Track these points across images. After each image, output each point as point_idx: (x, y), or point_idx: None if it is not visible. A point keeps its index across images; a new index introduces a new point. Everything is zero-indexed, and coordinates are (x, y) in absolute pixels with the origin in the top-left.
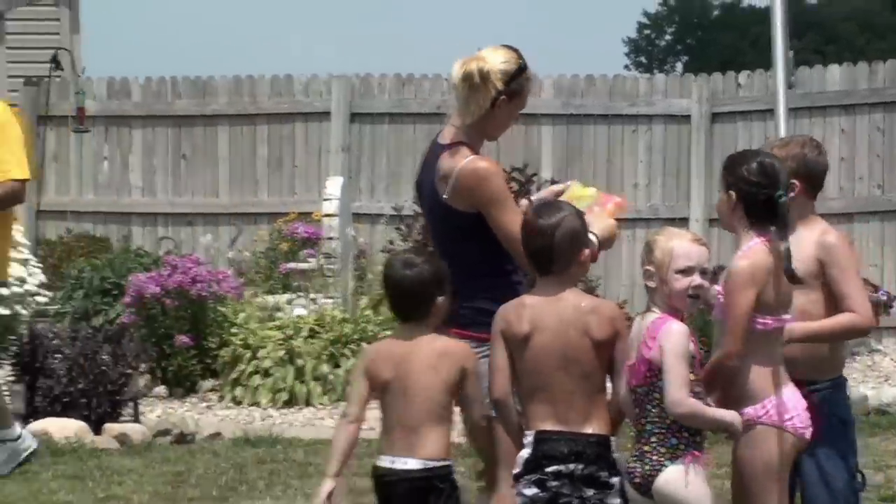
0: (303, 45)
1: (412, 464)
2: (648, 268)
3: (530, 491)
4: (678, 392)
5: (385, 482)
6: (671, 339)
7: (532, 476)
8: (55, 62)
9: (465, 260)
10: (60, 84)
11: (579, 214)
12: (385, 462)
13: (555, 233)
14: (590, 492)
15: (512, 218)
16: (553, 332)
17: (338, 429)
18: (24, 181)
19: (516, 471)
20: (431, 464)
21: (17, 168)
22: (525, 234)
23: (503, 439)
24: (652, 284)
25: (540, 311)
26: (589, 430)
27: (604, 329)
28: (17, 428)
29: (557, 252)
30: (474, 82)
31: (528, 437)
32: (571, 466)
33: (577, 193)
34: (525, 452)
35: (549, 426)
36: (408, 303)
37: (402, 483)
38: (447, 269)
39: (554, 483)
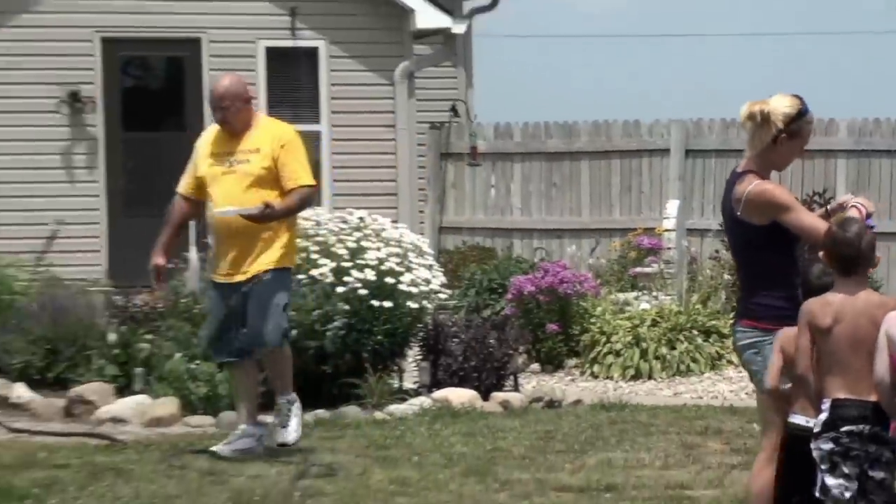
0: (647, 93)
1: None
2: None
3: (827, 446)
4: None
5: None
6: None
7: (829, 434)
8: (454, 111)
9: (755, 266)
10: (457, 128)
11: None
12: (798, 420)
13: (861, 242)
14: (873, 447)
15: (803, 216)
16: (848, 321)
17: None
18: (313, 186)
19: (816, 430)
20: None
21: (307, 176)
22: (832, 244)
23: None
24: None
25: (840, 307)
26: (874, 398)
27: None
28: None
29: (863, 258)
30: (756, 121)
31: (826, 404)
32: (861, 426)
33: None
34: (823, 416)
35: (842, 395)
36: None
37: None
38: None
39: (846, 440)
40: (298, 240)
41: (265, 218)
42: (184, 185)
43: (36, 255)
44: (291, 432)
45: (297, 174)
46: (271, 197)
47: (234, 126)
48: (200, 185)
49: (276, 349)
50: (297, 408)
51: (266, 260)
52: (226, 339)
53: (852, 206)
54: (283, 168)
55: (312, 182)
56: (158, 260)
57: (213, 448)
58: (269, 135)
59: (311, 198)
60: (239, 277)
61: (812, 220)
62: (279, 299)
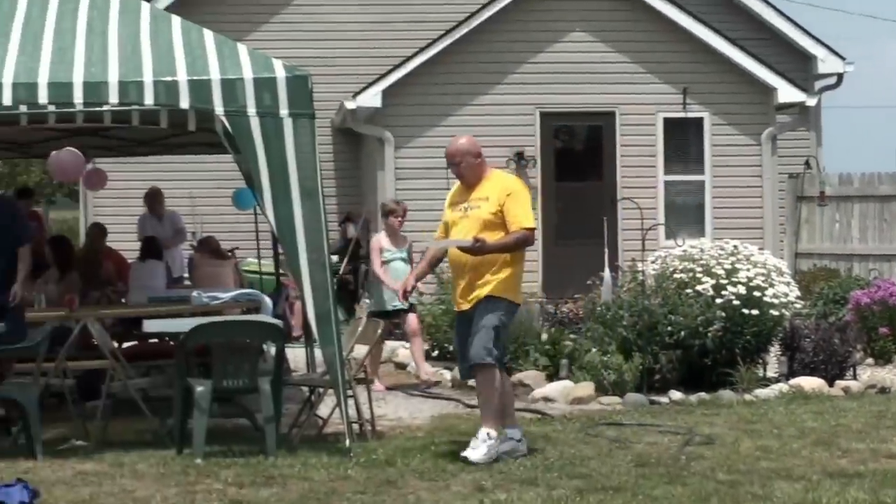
0: None
1: None
2: None
3: None
4: None
5: None
6: None
7: None
8: (807, 164)
9: None
10: (809, 177)
11: None
12: None
13: None
14: None
15: None
16: None
17: None
18: (532, 229)
19: None
20: None
21: (526, 219)
22: None
23: None
24: None
25: None
26: None
27: None
28: (519, 432)
29: None
30: None
31: None
32: None
33: None
34: None
35: None
36: None
37: None
38: None
39: None
40: (686, 263)
41: (478, 251)
42: (438, 233)
43: None
44: (475, 454)
45: (518, 218)
46: (496, 238)
47: (468, 179)
48: (447, 230)
49: (479, 368)
50: (492, 445)
51: (484, 290)
52: (464, 356)
53: None
54: (508, 213)
55: (531, 225)
56: (410, 281)
57: (465, 453)
58: (498, 186)
59: (527, 238)
60: (465, 307)
61: None
62: (487, 321)
